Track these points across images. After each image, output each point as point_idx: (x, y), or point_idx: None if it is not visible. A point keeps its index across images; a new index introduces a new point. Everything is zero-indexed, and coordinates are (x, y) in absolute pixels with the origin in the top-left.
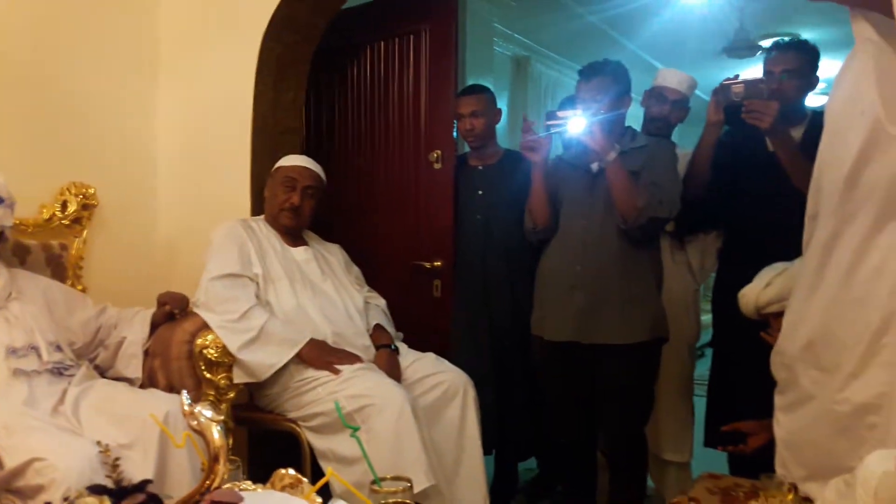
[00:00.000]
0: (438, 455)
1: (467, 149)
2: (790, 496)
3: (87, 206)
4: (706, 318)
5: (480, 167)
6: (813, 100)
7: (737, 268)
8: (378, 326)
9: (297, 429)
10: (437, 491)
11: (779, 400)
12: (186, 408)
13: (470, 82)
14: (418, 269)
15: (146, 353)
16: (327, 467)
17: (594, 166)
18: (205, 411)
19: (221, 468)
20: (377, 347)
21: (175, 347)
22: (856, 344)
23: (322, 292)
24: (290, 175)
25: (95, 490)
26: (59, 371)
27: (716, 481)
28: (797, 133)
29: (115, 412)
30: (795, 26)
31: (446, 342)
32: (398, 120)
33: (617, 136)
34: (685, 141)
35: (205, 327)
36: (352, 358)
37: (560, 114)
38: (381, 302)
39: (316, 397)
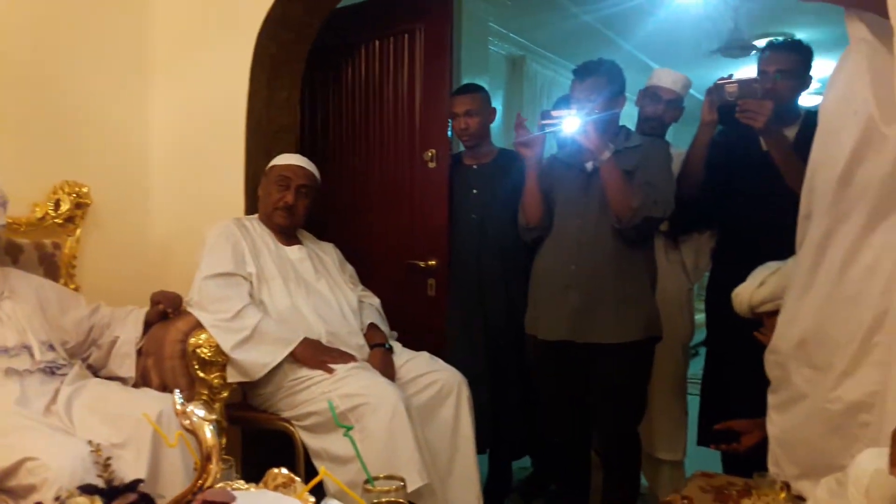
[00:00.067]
0: (432, 454)
1: (462, 148)
2: (782, 494)
3: (80, 205)
4: (700, 317)
5: (475, 166)
6: (807, 100)
7: (730, 267)
8: (372, 325)
9: (291, 428)
10: (431, 490)
11: (772, 399)
12: (179, 407)
13: (465, 81)
14: (413, 268)
15: (139, 352)
16: (321, 466)
17: (588, 165)
18: (197, 411)
19: (214, 467)
20: (371, 346)
21: (168, 346)
22: (848, 343)
23: (316, 291)
24: (284, 174)
25: (86, 490)
26: (51, 370)
27: (709, 480)
28: (791, 133)
29: (108, 411)
30: (790, 26)
31: (441, 341)
32: (393, 119)
33: (611, 135)
34: (680, 140)
35: (198, 326)
36: (346, 357)
37: (554, 113)
38: (375, 301)
39: (310, 396)
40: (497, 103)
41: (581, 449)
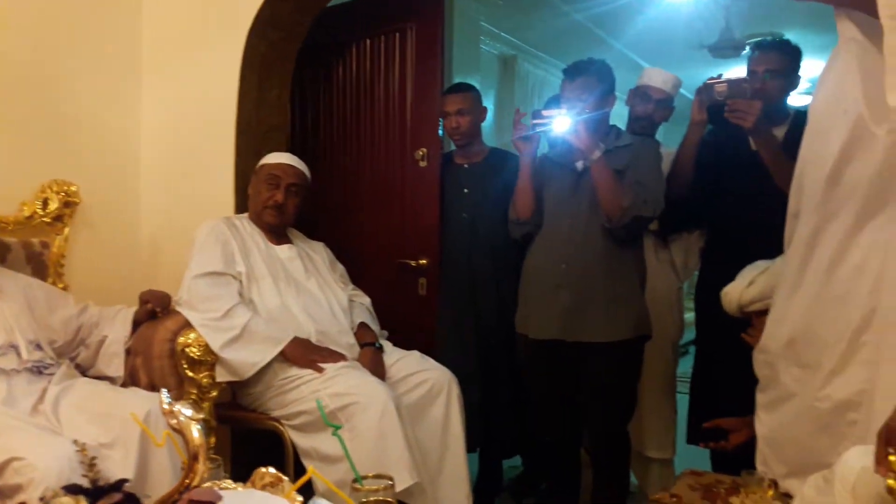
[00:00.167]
0: (422, 453)
1: (453, 147)
2: (770, 492)
3: (69, 204)
4: (690, 316)
5: (466, 165)
6: (796, 99)
7: (719, 266)
8: (362, 324)
9: (280, 427)
10: (421, 489)
11: (760, 397)
12: (166, 406)
13: (457, 81)
14: (404, 268)
15: (128, 351)
16: (309, 466)
17: (579, 165)
18: (184, 410)
19: (201, 467)
20: (361, 345)
21: (157, 346)
22: (836, 342)
23: (306, 290)
24: (273, 173)
25: (71, 490)
26: (38, 370)
27: (697, 478)
28: (780, 132)
29: (96, 411)
30: (781, 27)
31: (431, 340)
32: (384, 118)
33: (602, 134)
34: (670, 140)
35: (187, 325)
36: (336, 356)
37: (545, 113)
38: (366, 300)
39: (299, 396)
40: (489, 103)
41: (571, 448)
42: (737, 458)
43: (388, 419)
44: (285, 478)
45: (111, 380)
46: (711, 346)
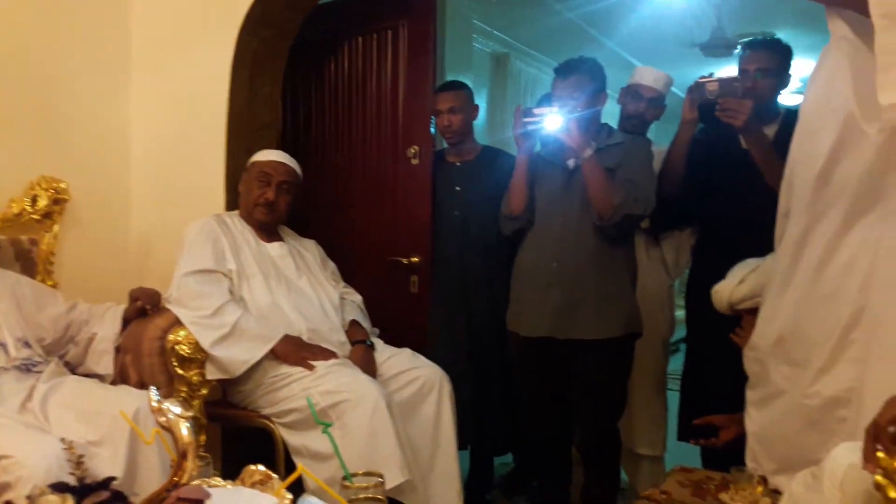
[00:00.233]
0: (413, 450)
1: (445, 145)
2: (759, 489)
3: (58, 201)
4: (680, 313)
5: (458, 163)
6: (787, 98)
7: (710, 264)
8: (354, 322)
9: (271, 425)
10: (412, 486)
11: (750, 395)
12: (154, 404)
13: (449, 79)
14: (395, 265)
15: (117, 349)
16: (299, 463)
17: (570, 163)
18: (173, 408)
19: (190, 464)
20: (353, 343)
21: (147, 343)
22: (826, 339)
23: (297, 288)
24: (264, 170)
25: (58, 488)
26: (27, 367)
27: (687, 475)
28: (770, 131)
29: (85, 409)
30: (773, 26)
31: (423, 338)
32: (376, 115)
33: (593, 133)
34: (663, 138)
35: (177, 323)
36: (326, 354)
37: (537, 111)
38: (357, 298)
39: (290, 393)
40: (481, 101)
41: (562, 445)
42: (727, 455)
43: (379, 417)
44: (275, 475)
45: (100, 377)
46: (702, 344)
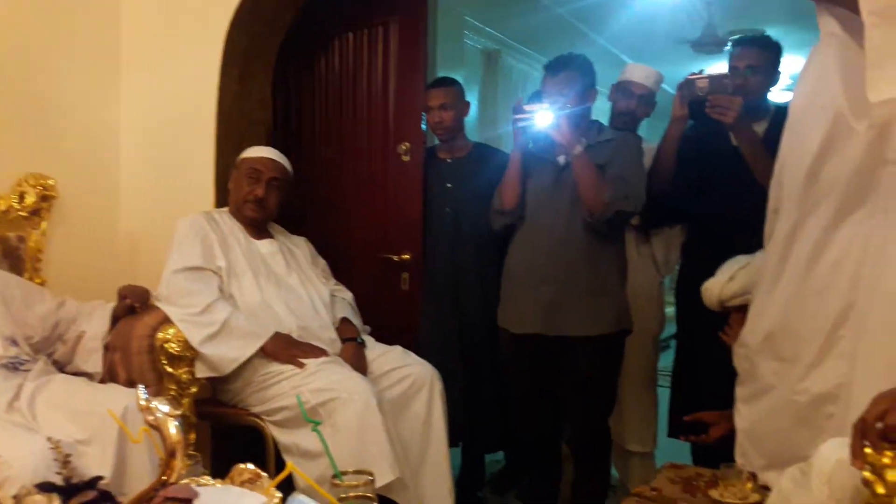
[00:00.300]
0: (404, 448)
1: (436, 142)
2: (749, 485)
3: (46, 198)
4: (671, 310)
5: (449, 160)
6: (777, 95)
7: (701, 261)
8: (344, 320)
9: (261, 423)
10: (403, 484)
11: (740, 391)
12: (143, 403)
13: (441, 75)
14: (387, 262)
15: (106, 347)
16: (289, 461)
17: (561, 160)
18: (161, 406)
19: (178, 463)
20: (343, 341)
21: (136, 341)
22: (814, 335)
23: (287, 286)
24: (254, 167)
25: (44, 488)
26: (14, 366)
27: (678, 471)
28: (760, 128)
29: (73, 408)
30: (763, 23)
31: (414, 335)
32: (367, 112)
33: (584, 129)
34: (654, 135)
35: (166, 321)
36: (317, 352)
37: (527, 107)
38: (348, 295)
39: (280, 391)
40: (472, 97)
41: (552, 442)
42: (717, 451)
43: (370, 414)
44: (264, 474)
45: (89, 376)
46: (692, 341)
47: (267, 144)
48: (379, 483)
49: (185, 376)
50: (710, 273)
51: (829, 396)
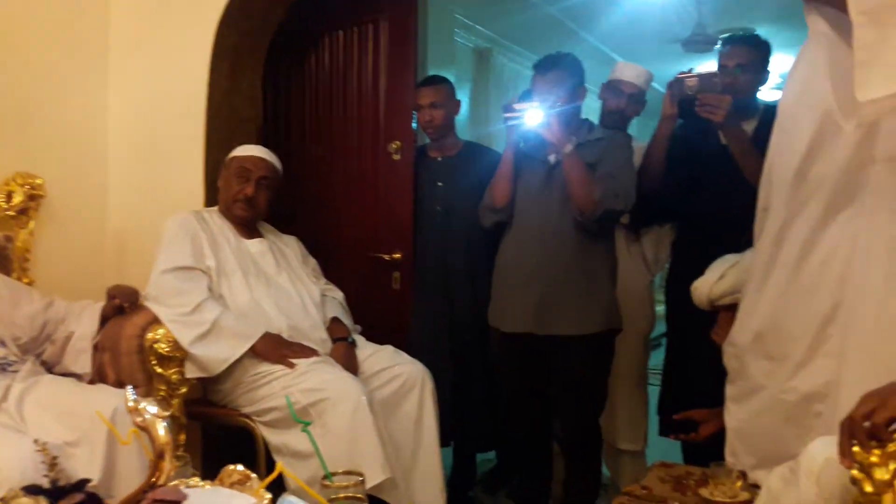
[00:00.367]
0: (395, 448)
1: (427, 140)
2: (739, 483)
3: (33, 197)
4: (661, 308)
5: (440, 159)
6: (767, 94)
7: (690, 259)
8: (335, 319)
9: (252, 424)
10: (394, 484)
11: (730, 390)
12: (131, 404)
13: (431, 73)
14: (377, 262)
15: (95, 347)
16: (279, 462)
17: (551, 158)
18: (150, 407)
19: (167, 465)
20: (334, 340)
21: (125, 342)
22: (803, 334)
23: (277, 285)
24: (244, 165)
25: (31, 490)
26: (2, 367)
27: (668, 470)
28: (749, 127)
29: (62, 409)
30: (754, 21)
31: (406, 335)
32: (357, 110)
33: (574, 128)
34: (645, 134)
35: (156, 321)
36: (307, 351)
37: (517, 106)
38: (339, 294)
39: (270, 392)
40: (463, 96)
41: (543, 441)
42: (708, 450)
43: (361, 415)
44: (253, 475)
45: (78, 377)
46: (682, 339)
47: (257, 142)
48: (369, 483)
49: (174, 377)
50: (700, 272)
51: (818, 395)
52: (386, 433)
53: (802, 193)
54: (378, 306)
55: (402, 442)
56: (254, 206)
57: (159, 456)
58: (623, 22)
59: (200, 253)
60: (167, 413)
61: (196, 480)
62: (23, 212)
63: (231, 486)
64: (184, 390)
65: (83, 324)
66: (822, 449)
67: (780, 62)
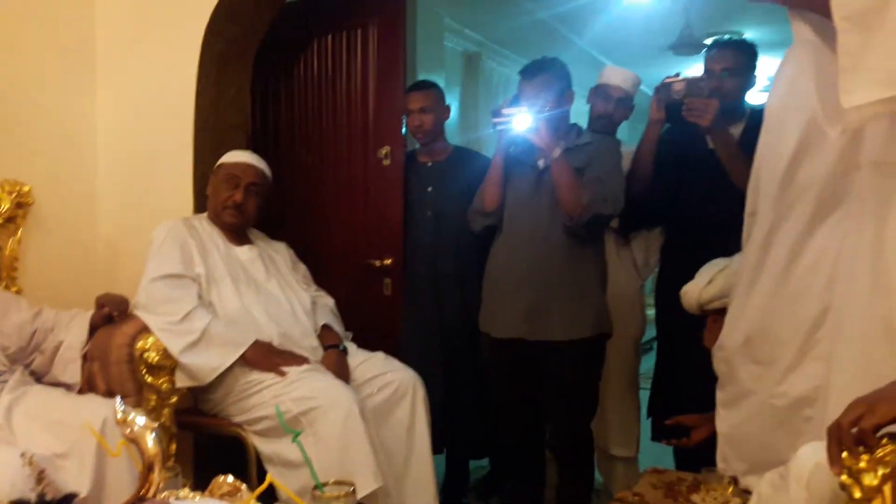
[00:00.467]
0: (388, 455)
1: (417, 145)
2: (730, 489)
3: (21, 205)
4: (651, 313)
5: (430, 163)
6: (754, 97)
7: (679, 264)
8: (326, 326)
9: (243, 433)
10: (386, 492)
11: (720, 395)
12: (120, 416)
13: (421, 78)
14: (368, 268)
15: (84, 357)
16: (270, 472)
17: (540, 163)
18: (139, 418)
19: (157, 476)
20: (325, 348)
21: (114, 351)
22: (792, 339)
23: (267, 292)
24: (232, 172)
25: None
26: None
27: (660, 476)
28: (736, 131)
29: (51, 419)
30: (741, 25)
31: (397, 341)
32: (346, 115)
33: (562, 133)
34: (634, 138)
35: (145, 330)
36: (298, 359)
37: (506, 110)
38: (330, 301)
39: (261, 400)
40: (453, 100)
41: (535, 446)
42: (700, 455)
43: (352, 423)
44: (244, 486)
45: (67, 386)
46: (673, 344)
47: (246, 149)
48: (362, 492)
49: (165, 386)
50: (689, 276)
51: (807, 399)
52: (378, 441)
53: (789, 198)
54: (369, 312)
55: (394, 449)
56: (243, 213)
57: (148, 468)
58: (612, 26)
59: (190, 260)
60: (156, 424)
61: (186, 492)
62: (10, 220)
63: (221, 497)
64: (174, 399)
65: (72, 333)
66: (812, 454)
67: (767, 65)
